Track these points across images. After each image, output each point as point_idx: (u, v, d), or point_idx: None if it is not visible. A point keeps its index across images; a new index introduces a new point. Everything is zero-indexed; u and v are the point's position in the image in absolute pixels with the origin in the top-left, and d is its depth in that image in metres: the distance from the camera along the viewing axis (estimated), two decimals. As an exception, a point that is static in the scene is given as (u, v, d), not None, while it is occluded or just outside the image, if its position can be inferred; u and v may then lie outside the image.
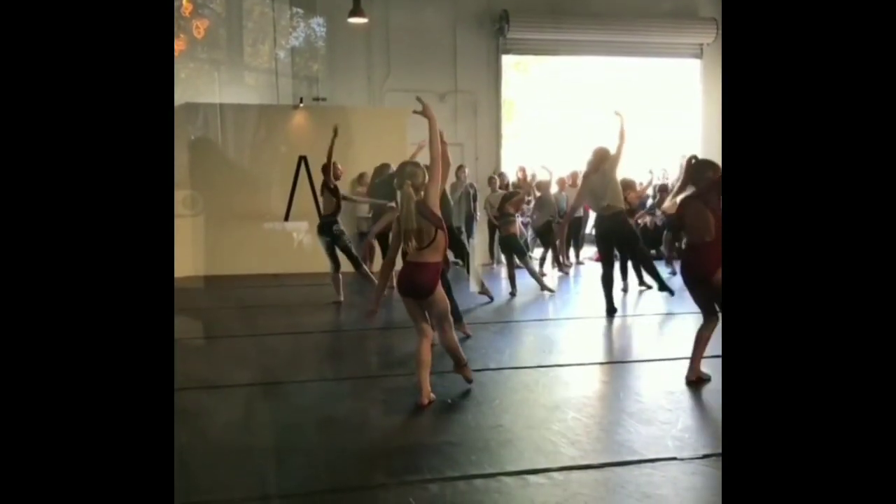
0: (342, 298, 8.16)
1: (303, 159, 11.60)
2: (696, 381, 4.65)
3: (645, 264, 8.43)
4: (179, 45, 11.25)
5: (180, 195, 10.84)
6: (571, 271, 11.50)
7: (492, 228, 12.11)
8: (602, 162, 7.02)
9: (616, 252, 7.98)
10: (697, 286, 4.55)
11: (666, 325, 7.38)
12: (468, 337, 6.09)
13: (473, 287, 8.79)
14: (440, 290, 4.25)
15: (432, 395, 4.31)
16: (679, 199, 4.69)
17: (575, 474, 3.24)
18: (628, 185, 8.88)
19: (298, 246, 11.60)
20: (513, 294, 8.65)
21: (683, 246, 5.97)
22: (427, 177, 4.21)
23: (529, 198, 13.09)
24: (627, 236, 7.52)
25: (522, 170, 13.85)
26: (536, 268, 9.57)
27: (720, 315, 4.45)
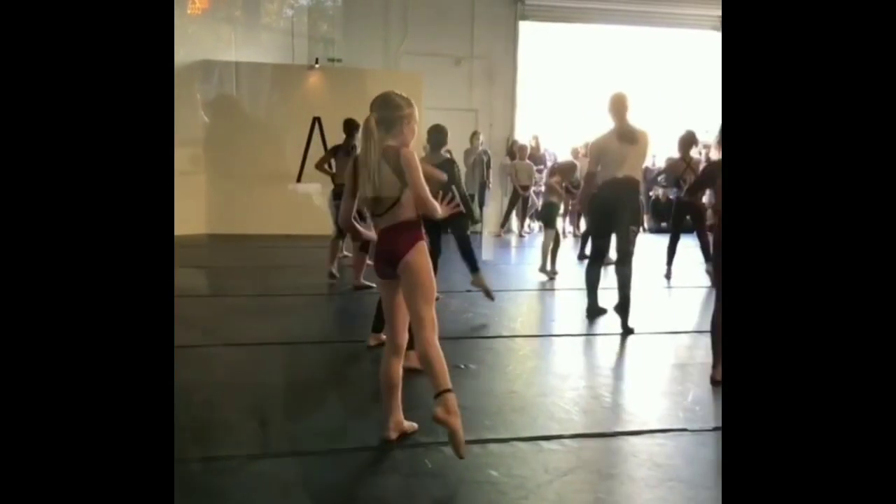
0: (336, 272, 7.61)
1: (317, 120, 11.58)
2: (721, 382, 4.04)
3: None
4: (203, 2, 11.15)
5: (190, 152, 10.82)
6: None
7: (514, 197, 12.14)
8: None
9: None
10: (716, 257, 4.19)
11: (674, 299, 7.41)
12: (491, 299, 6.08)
13: (486, 255, 8.79)
14: (421, 260, 3.04)
15: (407, 426, 3.29)
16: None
17: (588, 442, 3.28)
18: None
19: (310, 208, 11.60)
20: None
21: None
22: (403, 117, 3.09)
23: (541, 166, 13.11)
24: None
25: (536, 138, 13.81)
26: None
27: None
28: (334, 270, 7.57)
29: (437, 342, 3.03)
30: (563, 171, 8.28)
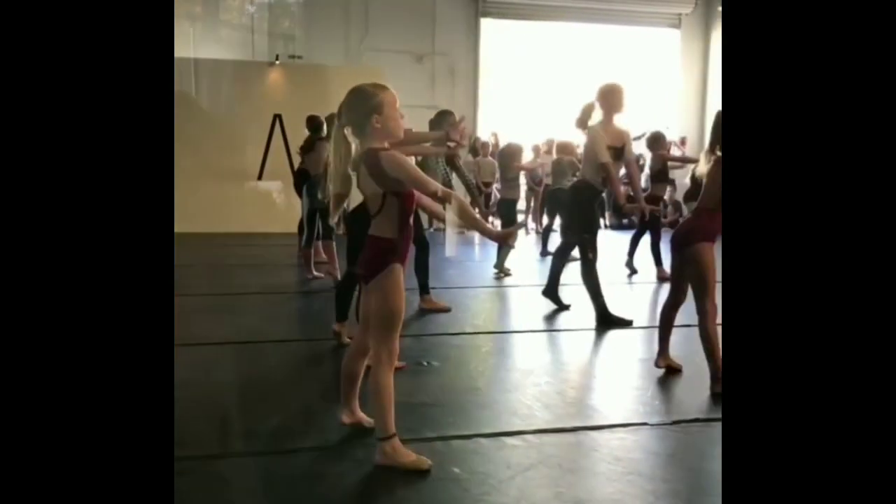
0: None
1: (277, 117, 11.50)
2: (666, 369, 4.28)
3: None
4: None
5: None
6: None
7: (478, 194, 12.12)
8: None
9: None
10: (677, 251, 4.09)
11: (636, 294, 7.50)
12: (448, 310, 5.92)
13: (449, 252, 8.77)
14: (390, 286, 2.84)
15: (366, 420, 3.22)
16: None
17: (549, 437, 3.31)
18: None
19: (271, 205, 11.51)
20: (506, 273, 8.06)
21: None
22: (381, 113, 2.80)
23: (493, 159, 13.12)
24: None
25: (495, 135, 13.85)
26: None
27: (686, 293, 4.13)
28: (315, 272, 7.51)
29: (390, 381, 2.85)
30: (515, 154, 8.40)
